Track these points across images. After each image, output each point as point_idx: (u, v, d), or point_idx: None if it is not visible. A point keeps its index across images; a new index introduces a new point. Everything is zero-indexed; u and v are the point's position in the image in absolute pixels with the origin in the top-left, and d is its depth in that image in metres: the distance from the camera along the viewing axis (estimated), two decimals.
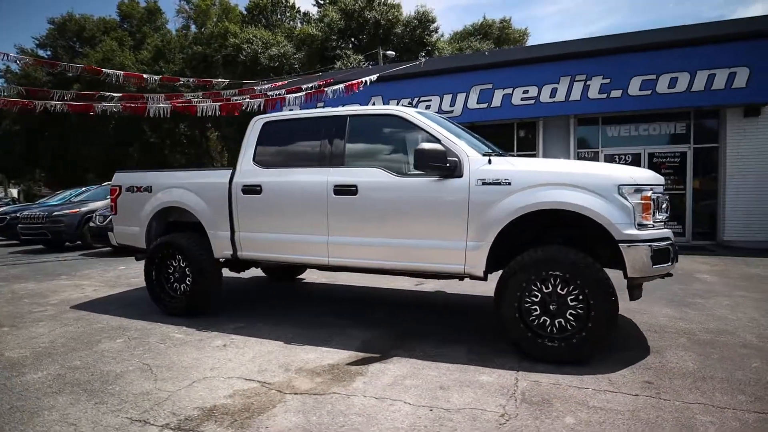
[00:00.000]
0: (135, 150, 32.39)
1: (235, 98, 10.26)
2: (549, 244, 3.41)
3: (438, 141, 3.55)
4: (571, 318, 3.19)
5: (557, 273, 3.17)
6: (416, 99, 11.49)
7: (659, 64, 8.98)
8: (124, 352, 3.55)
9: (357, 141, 3.96)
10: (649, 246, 3.10)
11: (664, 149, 9.99)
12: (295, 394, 2.81)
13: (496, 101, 10.67)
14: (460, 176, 3.44)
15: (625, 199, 3.13)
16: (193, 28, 39.63)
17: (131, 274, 7.00)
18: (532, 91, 10.30)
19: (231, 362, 3.32)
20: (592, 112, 9.90)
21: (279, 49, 28.99)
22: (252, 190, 4.14)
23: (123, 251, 9.03)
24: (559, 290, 3.21)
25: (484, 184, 3.38)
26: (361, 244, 3.77)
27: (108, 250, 9.83)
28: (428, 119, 3.75)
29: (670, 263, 3.26)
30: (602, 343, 3.17)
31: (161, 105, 8.54)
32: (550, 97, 10.11)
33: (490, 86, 10.70)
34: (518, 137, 11.41)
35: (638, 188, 3.17)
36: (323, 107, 11.37)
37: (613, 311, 3.11)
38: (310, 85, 10.79)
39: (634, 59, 9.15)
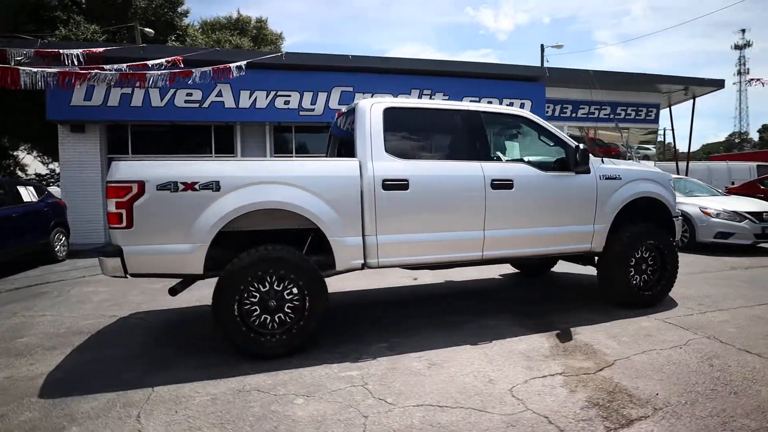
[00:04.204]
0: None
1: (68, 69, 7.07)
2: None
3: (565, 143, 4.20)
4: (650, 273, 4.51)
5: (651, 242, 4.42)
6: (273, 93, 10.74)
7: (480, 89, 11.71)
8: (381, 406, 2.63)
9: (494, 137, 4.11)
10: (680, 220, 4.77)
11: None
12: (600, 371, 3.00)
13: None
14: (588, 173, 4.22)
15: (671, 188, 4.68)
16: None
17: (34, 327, 4.19)
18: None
19: (492, 371, 3.04)
20: None
21: None
22: (396, 185, 3.61)
23: None
24: (644, 254, 4.47)
25: (606, 178, 4.27)
26: (514, 236, 3.99)
27: None
28: (549, 124, 4.32)
29: None
30: (671, 288, 4.61)
31: None
32: None
33: (351, 89, 11.18)
34: None
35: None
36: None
37: (677, 266, 4.59)
38: (158, 61, 8.54)
39: (465, 83, 11.60)
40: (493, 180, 3.87)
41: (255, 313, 3.35)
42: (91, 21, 21.88)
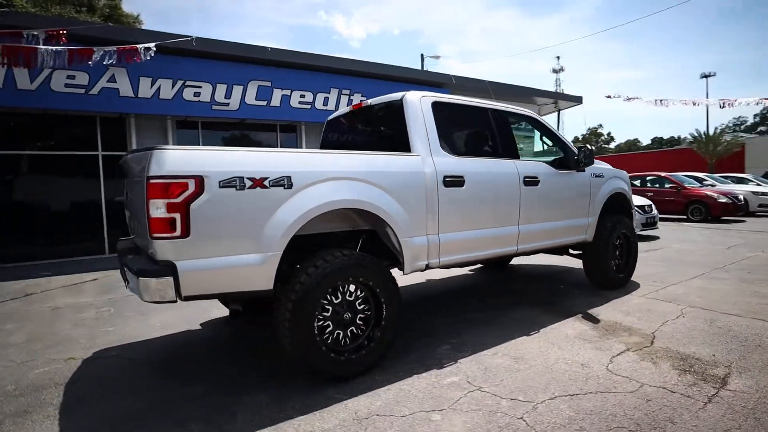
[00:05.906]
0: None
1: None
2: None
3: (566, 143, 4.65)
4: (620, 258, 5.26)
5: (623, 231, 5.15)
6: (181, 82, 9.40)
7: (395, 91, 11.99)
8: (522, 405, 2.53)
9: (516, 135, 4.31)
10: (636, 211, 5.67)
11: None
12: (652, 344, 3.41)
13: (276, 101, 10.57)
14: (583, 171, 4.73)
15: (629, 185, 5.52)
16: None
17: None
18: (308, 96, 10.99)
19: (573, 356, 3.20)
20: None
21: None
22: (455, 181, 3.55)
23: None
24: (616, 242, 5.19)
25: (595, 176, 4.84)
26: (539, 230, 4.26)
27: None
28: (551, 125, 4.71)
29: None
30: (634, 270, 5.41)
31: None
32: (323, 105, 11.18)
33: (269, 84, 10.42)
34: (280, 140, 11.66)
35: None
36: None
37: (638, 251, 5.41)
38: (35, 32, 6.78)
39: (382, 85, 11.73)
40: (525, 177, 4.07)
41: (328, 329, 2.96)
42: None
